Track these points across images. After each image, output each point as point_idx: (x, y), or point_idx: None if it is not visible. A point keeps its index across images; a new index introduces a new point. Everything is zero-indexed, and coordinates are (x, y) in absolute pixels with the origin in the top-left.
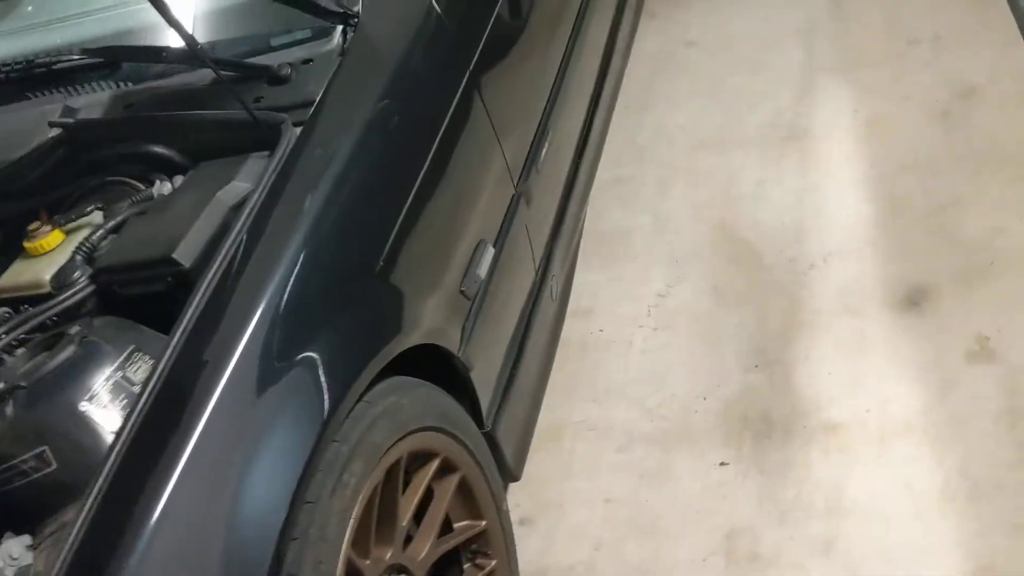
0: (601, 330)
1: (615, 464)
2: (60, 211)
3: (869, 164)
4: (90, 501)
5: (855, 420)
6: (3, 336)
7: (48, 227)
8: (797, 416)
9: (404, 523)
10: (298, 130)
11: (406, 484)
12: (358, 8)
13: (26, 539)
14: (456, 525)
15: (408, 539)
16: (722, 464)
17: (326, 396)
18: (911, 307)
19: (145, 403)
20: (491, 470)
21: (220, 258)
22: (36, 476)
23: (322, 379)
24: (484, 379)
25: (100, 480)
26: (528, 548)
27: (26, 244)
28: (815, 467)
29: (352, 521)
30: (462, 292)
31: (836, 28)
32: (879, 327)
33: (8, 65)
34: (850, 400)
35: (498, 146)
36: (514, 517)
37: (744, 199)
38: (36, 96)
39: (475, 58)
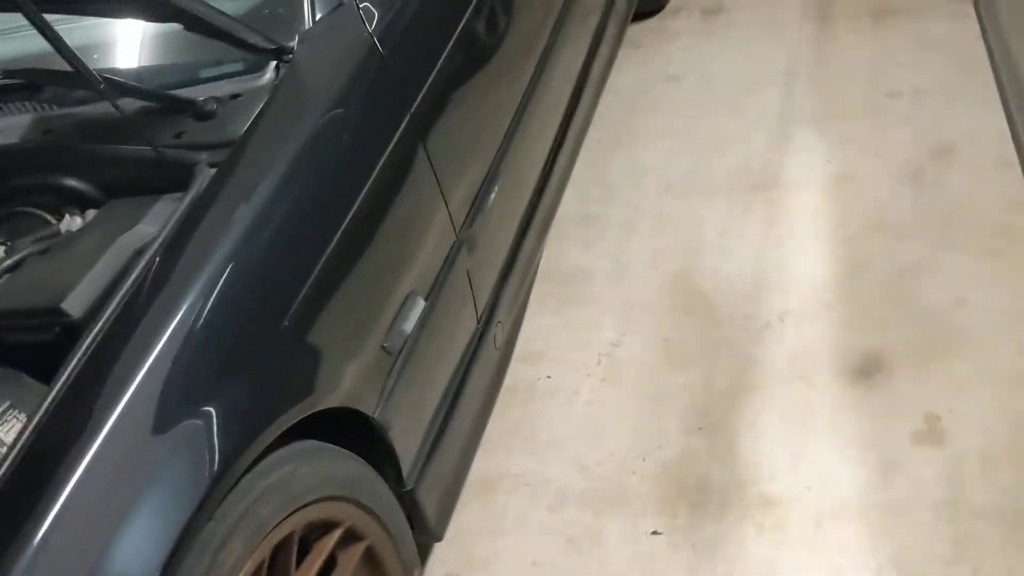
0: (549, 376)
1: (546, 524)
2: None
3: (835, 221)
4: None
5: (793, 497)
6: None
7: None
8: (735, 487)
9: None
10: (213, 171)
11: (306, 552)
12: (293, 43)
13: None
14: None
15: None
16: (654, 533)
17: (206, 469)
18: (862, 378)
19: (7, 469)
20: (403, 536)
21: (110, 310)
22: None
23: (204, 449)
24: (406, 438)
25: None
26: None
27: None
28: (748, 545)
29: None
30: (384, 348)
31: (818, 73)
32: (827, 397)
33: None
34: (790, 475)
35: (439, 193)
36: (440, 573)
37: (706, 249)
38: None
39: (418, 101)
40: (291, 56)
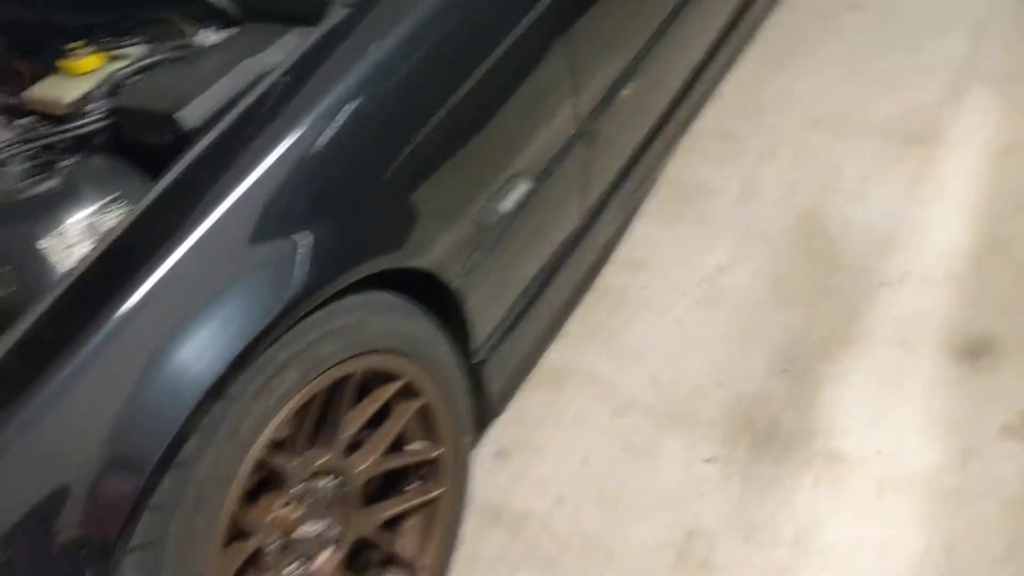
0: (645, 287)
1: (605, 427)
2: (109, 35)
3: (986, 192)
4: (24, 324)
5: (861, 459)
6: (9, 147)
7: (89, 49)
8: (804, 435)
9: (346, 435)
10: (346, 11)
11: (364, 395)
12: None
13: None
14: (408, 447)
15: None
16: (709, 460)
17: (285, 292)
18: (968, 358)
19: (102, 250)
20: (460, 403)
21: (223, 125)
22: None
23: (287, 272)
24: (481, 312)
25: (33, 313)
26: (495, 481)
27: (60, 63)
28: (801, 494)
29: (271, 427)
30: (477, 222)
31: (1013, 30)
32: (926, 369)
33: None
34: (864, 436)
35: (570, 79)
36: (493, 447)
37: (843, 192)
38: None
39: None
40: None
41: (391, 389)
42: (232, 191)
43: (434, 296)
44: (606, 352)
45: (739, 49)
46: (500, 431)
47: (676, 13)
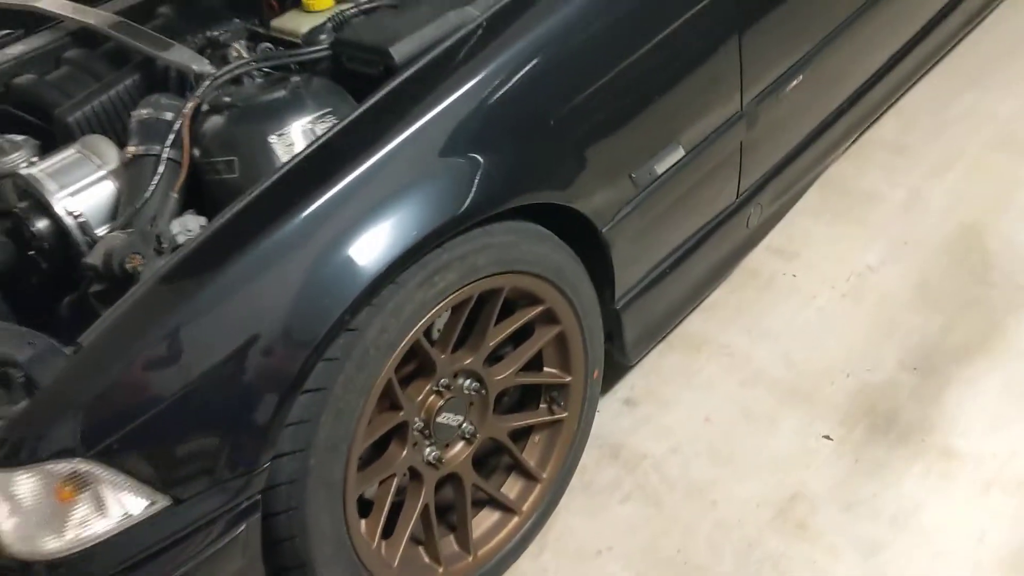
0: (794, 275)
1: (732, 393)
2: None
3: None
4: (243, 200)
5: (975, 457)
6: (251, 64)
7: None
8: (923, 428)
9: (491, 342)
10: None
11: (508, 312)
12: None
13: (202, 220)
14: (544, 369)
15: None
16: (825, 437)
17: (457, 203)
18: None
19: (312, 150)
20: (595, 337)
21: (425, 61)
22: (223, 177)
23: (462, 187)
24: (626, 262)
25: (252, 192)
26: (619, 424)
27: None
28: (908, 480)
29: (428, 315)
30: (631, 178)
31: None
32: None
33: None
34: (982, 438)
35: (738, 59)
36: (621, 395)
37: (1011, 212)
38: None
39: None
40: None
41: (534, 311)
42: (426, 113)
43: (586, 239)
44: (745, 328)
45: (926, 63)
46: (632, 382)
47: (855, 18)
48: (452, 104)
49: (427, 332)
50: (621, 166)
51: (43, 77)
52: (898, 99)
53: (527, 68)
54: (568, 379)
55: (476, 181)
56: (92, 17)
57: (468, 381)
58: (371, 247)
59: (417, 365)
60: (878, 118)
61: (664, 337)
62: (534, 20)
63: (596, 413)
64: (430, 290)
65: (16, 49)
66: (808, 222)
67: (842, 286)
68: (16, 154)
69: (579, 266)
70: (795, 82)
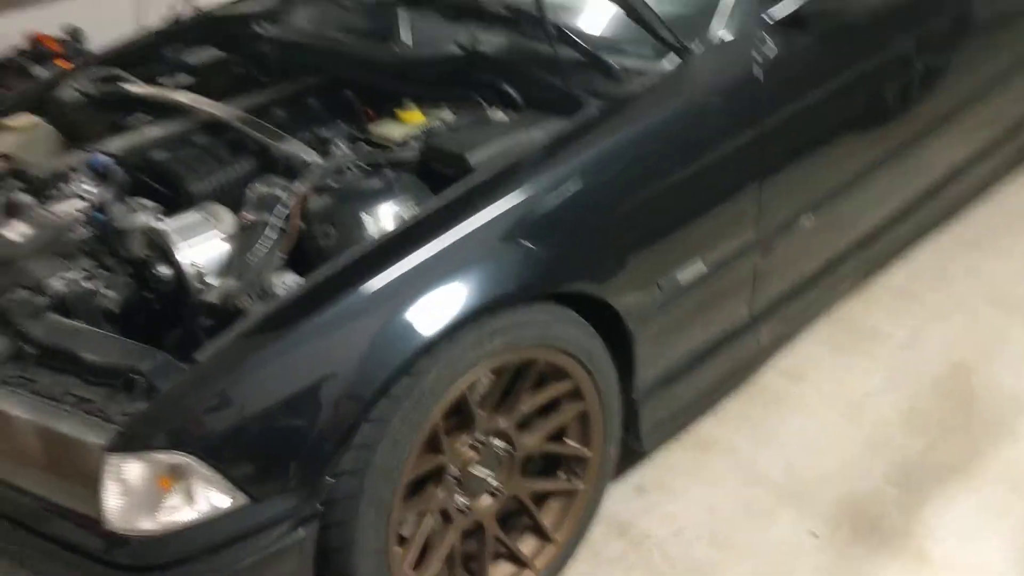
0: (800, 395)
1: (735, 490)
2: (432, 101)
3: None
4: (333, 264)
5: (947, 564)
6: (351, 158)
7: (417, 107)
8: (902, 534)
9: (524, 409)
10: (594, 111)
11: (541, 385)
12: (694, 48)
13: (299, 278)
14: (567, 441)
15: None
16: (813, 534)
17: (507, 284)
18: None
19: (394, 230)
20: (613, 421)
21: (494, 167)
22: (321, 245)
23: (512, 272)
24: (648, 357)
25: (342, 259)
26: (628, 506)
27: (397, 111)
28: None
29: (474, 372)
30: (658, 285)
31: None
32: None
33: None
34: (956, 549)
35: (758, 192)
36: (634, 481)
37: (998, 360)
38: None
39: (773, 118)
40: (690, 56)
41: (563, 387)
42: (490, 207)
43: (614, 331)
44: (752, 435)
45: (935, 221)
46: (644, 471)
47: (869, 172)
48: (513, 203)
49: (471, 391)
50: (650, 272)
51: (175, 155)
52: (907, 250)
53: (578, 182)
54: (588, 453)
55: (526, 268)
56: (221, 111)
57: (501, 441)
58: (434, 310)
59: (460, 419)
60: (887, 264)
61: (677, 433)
62: (587, 145)
63: (608, 494)
64: (478, 352)
65: (156, 131)
66: (816, 349)
67: (841, 408)
68: (146, 214)
69: (606, 353)
70: (808, 221)
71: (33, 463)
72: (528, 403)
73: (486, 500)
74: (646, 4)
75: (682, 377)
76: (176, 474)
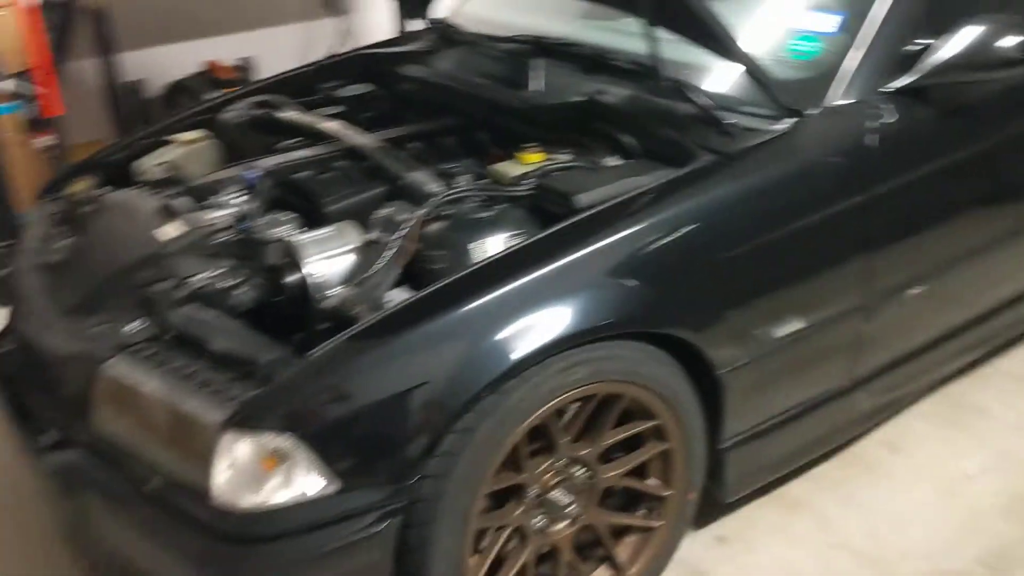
0: (895, 466)
1: (817, 552)
2: (552, 145)
3: None
4: (442, 283)
5: None
6: (471, 191)
7: (537, 149)
8: None
9: (607, 441)
10: (704, 163)
11: (626, 420)
12: (810, 112)
13: (408, 294)
14: (648, 480)
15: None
16: None
17: (600, 316)
18: None
19: (499, 256)
20: (696, 465)
21: (600, 208)
22: (433, 267)
23: (608, 306)
24: (738, 409)
25: (449, 279)
26: (707, 553)
27: (517, 153)
28: None
29: (559, 399)
30: (752, 334)
31: None
32: None
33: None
34: None
35: (865, 255)
36: (715, 531)
37: None
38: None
39: (887, 183)
40: (805, 119)
41: (647, 425)
42: (592, 244)
43: (704, 377)
44: (841, 499)
45: None
46: (727, 522)
47: (984, 249)
48: (614, 242)
49: (558, 415)
50: (746, 322)
51: (316, 176)
52: None
53: (680, 229)
54: (667, 493)
55: (622, 303)
56: (362, 140)
57: (582, 470)
58: (527, 335)
59: (544, 443)
60: (1004, 349)
61: (763, 487)
62: (694, 195)
63: (687, 541)
64: (565, 378)
65: (302, 154)
66: (918, 422)
67: (938, 484)
68: (285, 227)
69: (693, 397)
70: (918, 290)
71: (158, 435)
72: (611, 436)
73: (563, 525)
74: (763, 67)
75: (773, 433)
76: (279, 456)
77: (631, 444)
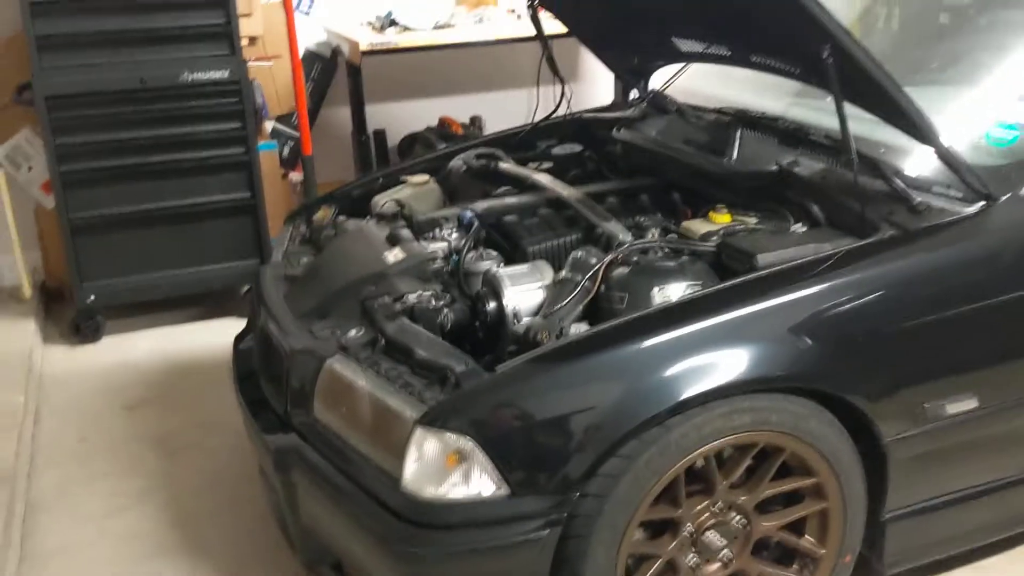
0: None
1: None
2: (742, 208)
3: None
4: (617, 322)
5: None
6: (657, 242)
7: (726, 211)
8: None
9: (764, 491)
10: (888, 236)
11: (787, 474)
12: (1001, 197)
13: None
14: (804, 536)
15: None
16: None
17: (770, 369)
18: None
19: (675, 303)
20: (854, 530)
21: (779, 268)
22: (612, 307)
23: (779, 360)
24: (904, 481)
25: (622, 319)
26: None
27: (709, 213)
28: None
29: (719, 442)
30: (923, 407)
31: None
32: None
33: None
34: None
35: None
36: None
37: None
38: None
39: None
40: (995, 204)
41: (807, 481)
42: (766, 300)
43: (871, 445)
44: None
45: None
46: None
47: None
48: (793, 300)
49: (717, 459)
50: (917, 395)
51: (521, 220)
52: None
53: (860, 295)
54: (821, 552)
55: (794, 359)
56: (566, 192)
57: (738, 517)
58: (697, 375)
59: (703, 486)
60: None
61: (925, 566)
62: (876, 264)
63: None
64: (727, 423)
65: (512, 201)
66: None
67: None
68: (489, 261)
69: (856, 461)
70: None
71: (363, 425)
72: (770, 487)
73: (715, 568)
74: (957, 151)
75: (939, 513)
76: (461, 455)
77: (790, 500)
